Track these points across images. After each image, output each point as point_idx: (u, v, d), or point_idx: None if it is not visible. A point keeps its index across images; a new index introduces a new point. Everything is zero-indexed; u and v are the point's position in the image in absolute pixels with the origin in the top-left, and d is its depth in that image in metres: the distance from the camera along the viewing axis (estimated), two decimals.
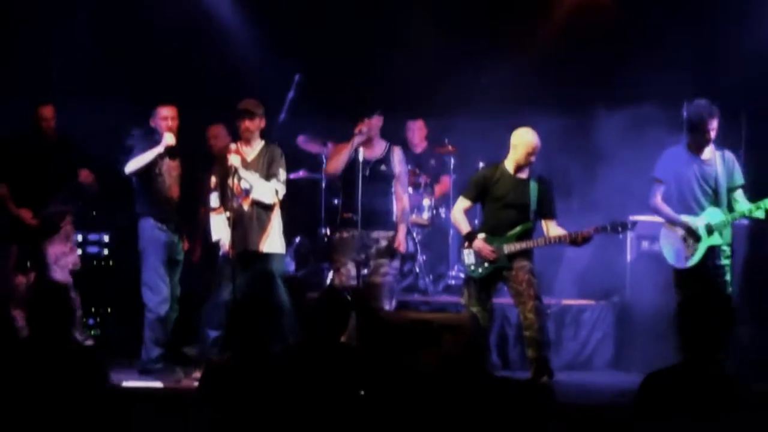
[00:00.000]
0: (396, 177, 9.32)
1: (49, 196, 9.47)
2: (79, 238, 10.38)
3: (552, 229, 8.79)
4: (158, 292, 9.25)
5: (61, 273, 9.47)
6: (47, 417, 4.97)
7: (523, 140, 8.74)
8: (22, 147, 9.49)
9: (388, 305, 9.23)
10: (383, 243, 9.19)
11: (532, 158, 8.74)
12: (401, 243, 9.24)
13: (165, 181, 9.35)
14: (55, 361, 5.08)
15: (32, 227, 9.40)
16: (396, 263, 9.25)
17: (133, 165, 9.19)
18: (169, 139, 9.16)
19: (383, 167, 9.26)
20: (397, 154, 9.39)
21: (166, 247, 9.37)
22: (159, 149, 9.19)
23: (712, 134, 8.68)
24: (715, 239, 8.69)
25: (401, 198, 9.34)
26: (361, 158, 9.12)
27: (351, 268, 9.15)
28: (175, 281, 9.44)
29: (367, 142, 9.23)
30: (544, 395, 3.90)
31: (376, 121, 9.26)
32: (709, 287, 8.29)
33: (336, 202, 9.83)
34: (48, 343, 5.29)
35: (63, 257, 9.55)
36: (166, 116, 9.28)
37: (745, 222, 9.45)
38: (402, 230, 9.30)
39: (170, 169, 9.35)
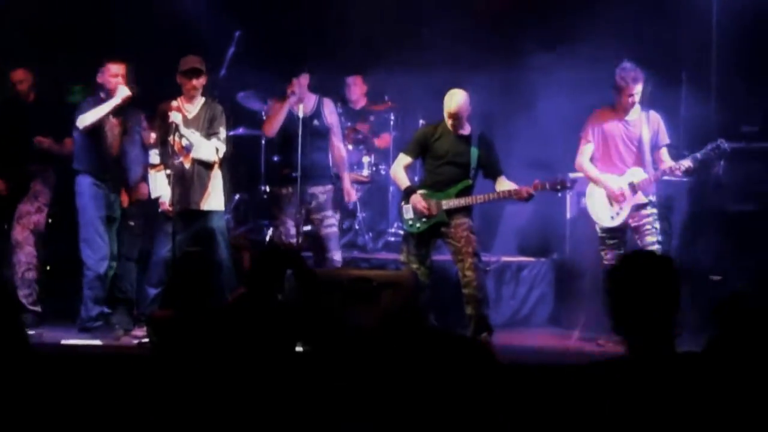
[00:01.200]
0: (330, 129, 9.35)
1: (26, 158, 9.41)
2: None
3: (501, 184, 8.81)
4: (97, 250, 9.17)
5: (21, 231, 9.47)
6: None
7: (445, 105, 8.78)
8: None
9: (338, 255, 9.38)
10: (322, 197, 9.29)
11: (451, 121, 8.75)
12: (350, 193, 9.40)
13: (107, 138, 9.25)
14: None
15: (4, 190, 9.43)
16: (338, 214, 9.32)
17: (89, 118, 9.07)
18: (123, 91, 9.04)
19: (316, 122, 9.36)
20: (328, 106, 9.50)
21: (105, 204, 9.28)
22: (116, 101, 9.07)
23: (636, 97, 8.79)
24: (639, 197, 8.79)
25: (339, 149, 9.43)
26: (297, 115, 9.19)
27: (290, 226, 9.23)
28: (113, 238, 9.36)
29: (299, 100, 9.27)
30: (483, 352, 3.89)
31: (303, 80, 9.36)
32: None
33: (276, 159, 9.83)
34: None
35: (26, 216, 9.49)
36: (116, 73, 9.17)
37: (685, 179, 9.54)
38: (347, 180, 9.45)
39: (112, 126, 9.26)
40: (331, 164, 9.52)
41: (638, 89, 8.76)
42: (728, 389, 3.91)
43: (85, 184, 9.25)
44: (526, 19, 11.24)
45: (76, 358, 7.46)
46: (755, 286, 8.87)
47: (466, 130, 8.82)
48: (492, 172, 8.85)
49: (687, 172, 8.76)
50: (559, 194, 9.22)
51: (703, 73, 10.35)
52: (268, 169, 10.97)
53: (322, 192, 9.34)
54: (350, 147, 11.06)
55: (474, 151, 8.75)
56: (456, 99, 8.72)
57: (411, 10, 11.78)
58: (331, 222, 9.38)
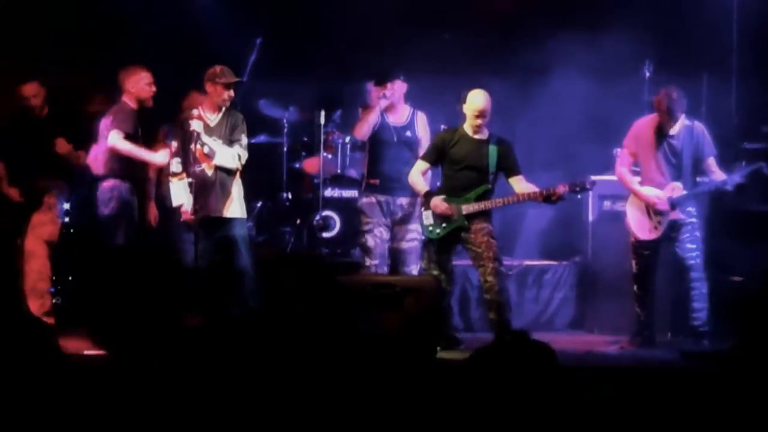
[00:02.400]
0: (419, 142, 9.37)
1: (40, 171, 9.45)
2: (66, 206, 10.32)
3: (521, 185, 8.76)
4: None
5: (33, 241, 9.41)
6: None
7: (470, 104, 8.76)
8: (12, 125, 9.49)
9: (416, 270, 9.31)
10: (409, 209, 9.30)
11: (479, 121, 8.72)
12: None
13: (135, 143, 9.31)
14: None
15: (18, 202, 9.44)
16: (420, 228, 9.26)
17: (121, 146, 9.22)
18: (163, 157, 9.21)
19: (408, 133, 9.34)
20: (422, 119, 9.49)
21: (137, 211, 9.33)
22: (155, 159, 9.30)
23: (675, 117, 8.73)
24: (677, 214, 8.77)
25: None
26: (389, 124, 9.29)
27: (383, 231, 9.26)
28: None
29: (391, 108, 9.34)
30: (545, 356, 3.90)
31: (399, 86, 9.37)
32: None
33: (297, 165, 9.86)
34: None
35: (40, 226, 9.46)
36: (151, 81, 9.33)
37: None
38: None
39: (139, 133, 9.33)
40: None
41: (678, 112, 8.74)
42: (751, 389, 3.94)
43: (121, 190, 9.33)
44: (545, 23, 11.22)
45: (97, 368, 7.48)
46: None
47: (484, 134, 8.81)
48: (511, 173, 8.81)
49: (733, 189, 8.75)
50: (579, 196, 9.18)
51: (723, 74, 10.32)
52: (289, 175, 11.02)
53: (408, 204, 9.34)
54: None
55: (492, 155, 8.73)
56: (483, 97, 8.72)
57: (431, 14, 11.76)
58: (414, 236, 9.32)
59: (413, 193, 9.23)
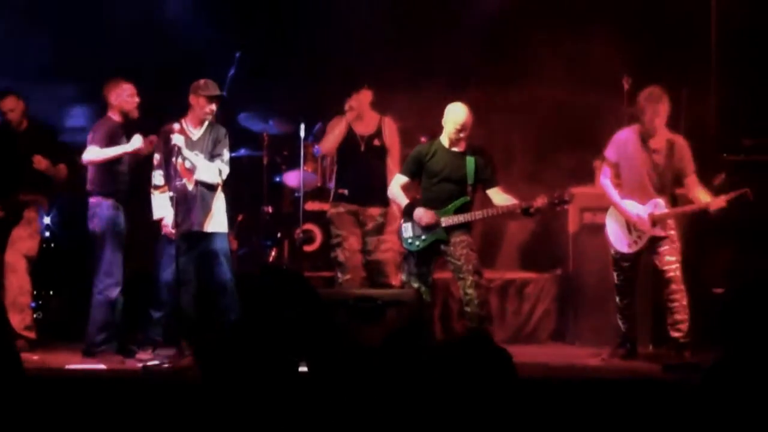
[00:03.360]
0: (389, 150, 9.36)
1: (20, 185, 9.41)
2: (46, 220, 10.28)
3: (498, 196, 8.72)
4: (111, 275, 9.03)
5: (13, 256, 9.41)
6: None
7: (451, 116, 8.72)
8: None
9: (395, 280, 9.29)
10: (380, 219, 9.30)
11: (462, 134, 8.70)
12: (398, 217, 9.42)
13: (125, 161, 9.22)
14: None
15: None
16: (395, 237, 9.24)
17: (95, 155, 9.10)
18: (137, 141, 9.07)
19: (376, 141, 9.34)
20: (389, 126, 9.49)
21: (123, 228, 9.19)
22: (127, 148, 9.10)
23: (658, 120, 8.68)
24: (657, 230, 8.75)
25: (394, 171, 9.39)
26: (356, 133, 9.33)
27: (353, 242, 9.26)
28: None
29: (359, 117, 9.30)
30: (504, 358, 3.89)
31: (364, 96, 9.34)
32: None
33: (277, 179, 9.84)
34: None
35: (19, 241, 9.46)
36: (133, 93, 9.24)
37: None
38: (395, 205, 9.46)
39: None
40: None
41: (659, 111, 8.67)
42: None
43: (104, 207, 9.12)
44: (524, 35, 11.24)
45: (80, 383, 7.46)
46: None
47: (462, 146, 8.79)
48: (489, 185, 8.76)
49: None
50: (557, 209, 9.12)
51: (703, 87, 10.34)
52: (270, 189, 11.00)
53: (379, 214, 9.35)
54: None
55: (470, 167, 8.70)
56: (463, 110, 8.68)
57: (411, 26, 11.76)
58: (389, 246, 9.34)
59: (384, 203, 9.24)
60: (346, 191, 9.36)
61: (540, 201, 8.52)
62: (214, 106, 9.04)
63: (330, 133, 9.42)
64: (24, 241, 9.48)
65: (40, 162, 9.43)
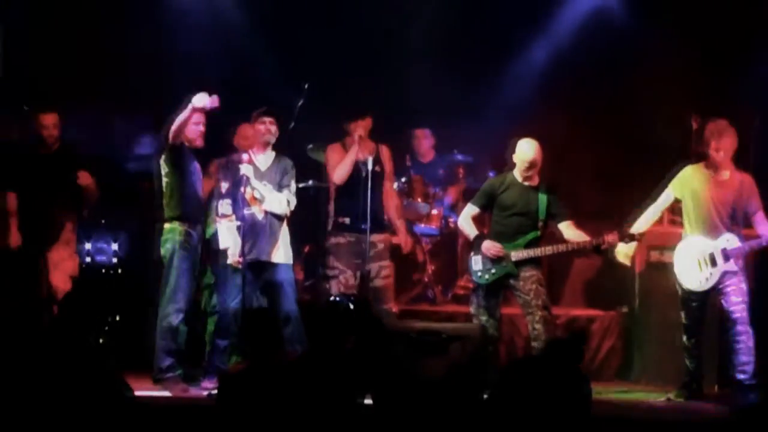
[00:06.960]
0: (386, 175, 9.40)
1: (50, 206, 9.48)
2: (87, 246, 10.37)
3: (570, 231, 8.71)
4: (174, 302, 8.84)
5: (60, 277, 9.49)
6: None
7: (520, 154, 8.74)
8: (22, 156, 9.52)
9: (395, 307, 9.41)
10: (380, 246, 9.35)
11: (530, 172, 8.71)
12: (407, 242, 9.43)
13: (196, 183, 9.06)
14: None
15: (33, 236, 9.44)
16: (392, 264, 9.34)
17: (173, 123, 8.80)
18: (204, 98, 8.67)
19: (377, 167, 9.36)
20: (386, 152, 9.58)
21: (196, 253, 9.01)
22: (195, 103, 8.64)
23: (723, 153, 8.63)
24: (730, 265, 8.64)
25: (393, 195, 9.43)
26: (360, 161, 9.34)
27: (349, 276, 9.22)
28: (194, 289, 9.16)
29: (361, 144, 9.34)
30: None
31: (368, 123, 9.43)
32: None
33: (327, 207, 9.86)
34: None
35: (62, 262, 9.54)
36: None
37: None
38: (403, 229, 9.43)
39: (198, 171, 9.11)
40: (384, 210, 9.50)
41: (724, 144, 8.62)
42: None
43: (177, 232, 8.90)
44: (590, 72, 11.26)
45: (143, 410, 7.47)
46: None
47: (534, 180, 8.79)
48: (561, 219, 8.75)
49: None
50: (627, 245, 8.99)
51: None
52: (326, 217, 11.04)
53: (380, 240, 9.38)
54: (419, 200, 11.08)
55: (542, 202, 8.70)
56: (534, 147, 8.67)
57: (479, 64, 11.80)
58: (387, 273, 9.38)
59: (384, 230, 9.25)
60: (347, 220, 9.34)
61: (611, 237, 8.49)
62: (270, 126, 9.08)
63: (337, 162, 9.41)
64: (66, 262, 9.56)
65: (86, 178, 9.48)
